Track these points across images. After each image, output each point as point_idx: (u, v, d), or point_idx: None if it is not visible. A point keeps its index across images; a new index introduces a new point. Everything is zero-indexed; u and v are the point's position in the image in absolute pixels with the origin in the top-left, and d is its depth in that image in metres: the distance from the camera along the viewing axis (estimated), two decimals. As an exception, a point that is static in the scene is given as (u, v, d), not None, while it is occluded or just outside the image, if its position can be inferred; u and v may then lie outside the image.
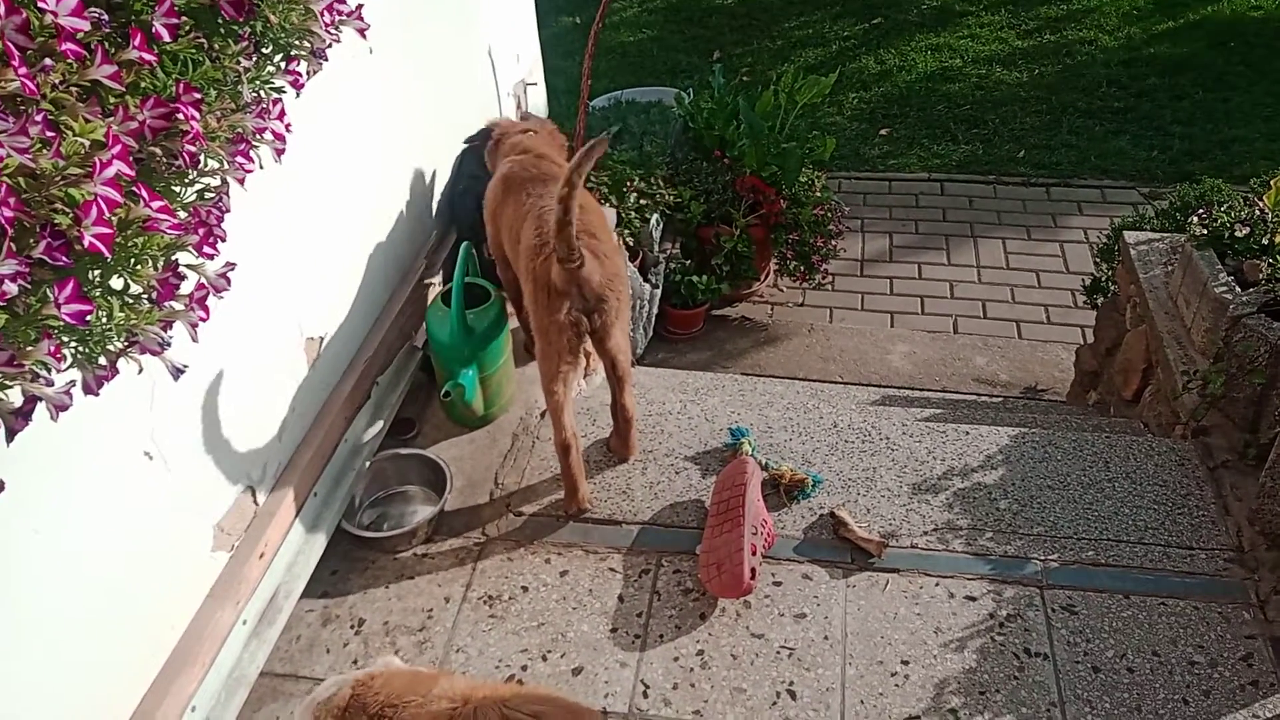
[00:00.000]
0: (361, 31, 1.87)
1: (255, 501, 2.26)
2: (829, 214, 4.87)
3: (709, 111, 4.96)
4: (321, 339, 2.56)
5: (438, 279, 3.20)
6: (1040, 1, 7.57)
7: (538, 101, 4.45)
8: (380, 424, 2.78)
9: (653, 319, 4.68)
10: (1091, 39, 7.06)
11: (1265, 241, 2.96)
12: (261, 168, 1.65)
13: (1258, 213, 3.02)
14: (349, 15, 1.82)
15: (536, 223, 2.55)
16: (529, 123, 3.15)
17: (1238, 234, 2.99)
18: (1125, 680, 2.18)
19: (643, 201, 4.55)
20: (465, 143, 3.37)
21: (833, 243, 4.90)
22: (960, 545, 2.47)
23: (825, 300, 5.15)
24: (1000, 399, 4.15)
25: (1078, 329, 4.77)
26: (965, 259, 5.36)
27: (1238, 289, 2.86)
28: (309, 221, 2.46)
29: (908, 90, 6.78)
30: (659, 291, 4.59)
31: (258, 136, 1.62)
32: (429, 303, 2.95)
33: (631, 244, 4.42)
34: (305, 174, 2.37)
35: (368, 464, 2.68)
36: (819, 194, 4.91)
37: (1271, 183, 3.07)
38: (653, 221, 4.53)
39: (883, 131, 6.45)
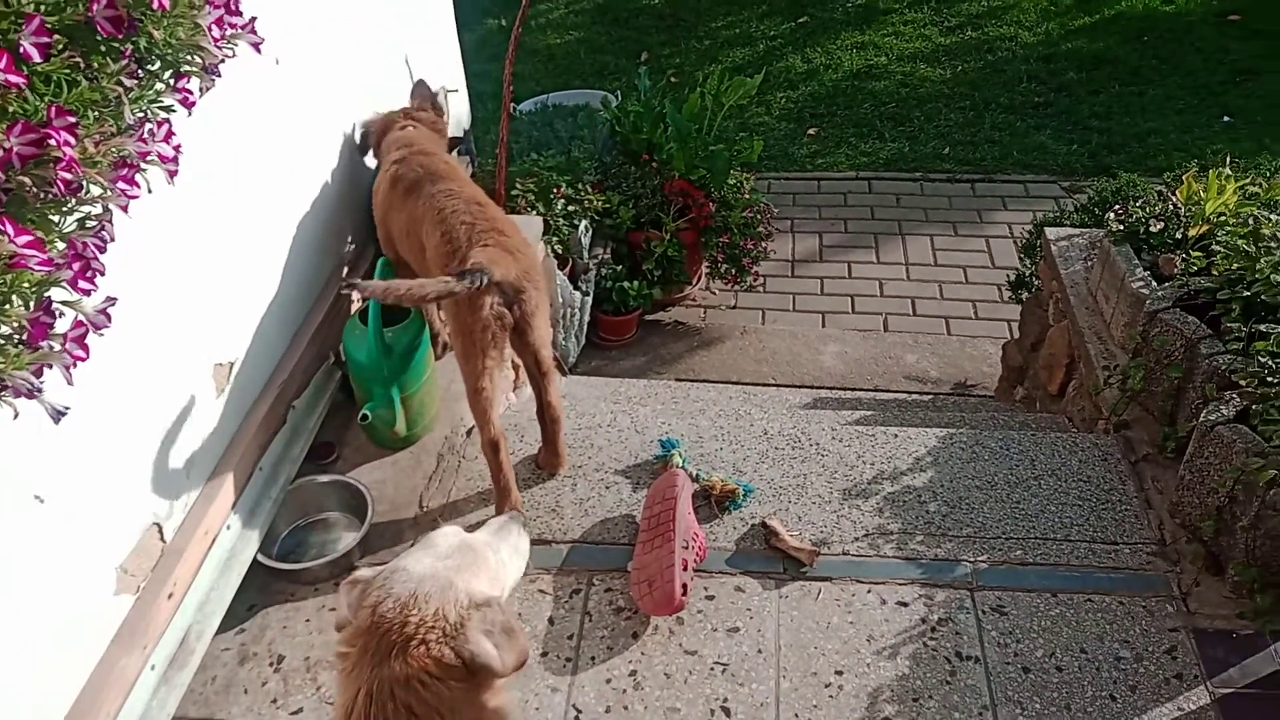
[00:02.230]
0: (256, 45, 1.78)
1: (162, 539, 2.15)
2: (758, 216, 4.87)
3: (635, 115, 4.92)
4: (231, 364, 2.46)
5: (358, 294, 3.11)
6: (961, -2, 7.69)
7: (460, 108, 4.36)
8: (298, 449, 2.69)
9: (584, 327, 4.63)
10: (1012, 35, 7.18)
11: (1179, 235, 3.02)
12: (150, 191, 1.56)
13: (1171, 208, 3.08)
14: (242, 29, 1.74)
15: (441, 227, 2.52)
16: (412, 110, 3.09)
17: (1153, 229, 3.04)
18: (1055, 679, 2.19)
19: (571, 208, 4.50)
20: (361, 126, 3.22)
21: (762, 244, 4.89)
22: (891, 550, 2.47)
23: (758, 302, 5.15)
24: (930, 396, 4.19)
25: (1004, 323, 4.84)
26: (894, 256, 5.40)
27: (1154, 283, 2.91)
28: (214, 243, 2.35)
29: (834, 89, 6.83)
30: (590, 299, 4.54)
31: (144, 160, 1.53)
32: (348, 320, 2.86)
33: (560, 251, 4.37)
34: (208, 193, 2.28)
35: (285, 492, 2.59)
36: (748, 196, 4.91)
37: (1184, 178, 3.13)
38: (581, 228, 4.48)
39: (810, 131, 6.49)
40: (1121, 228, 3.10)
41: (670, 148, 4.79)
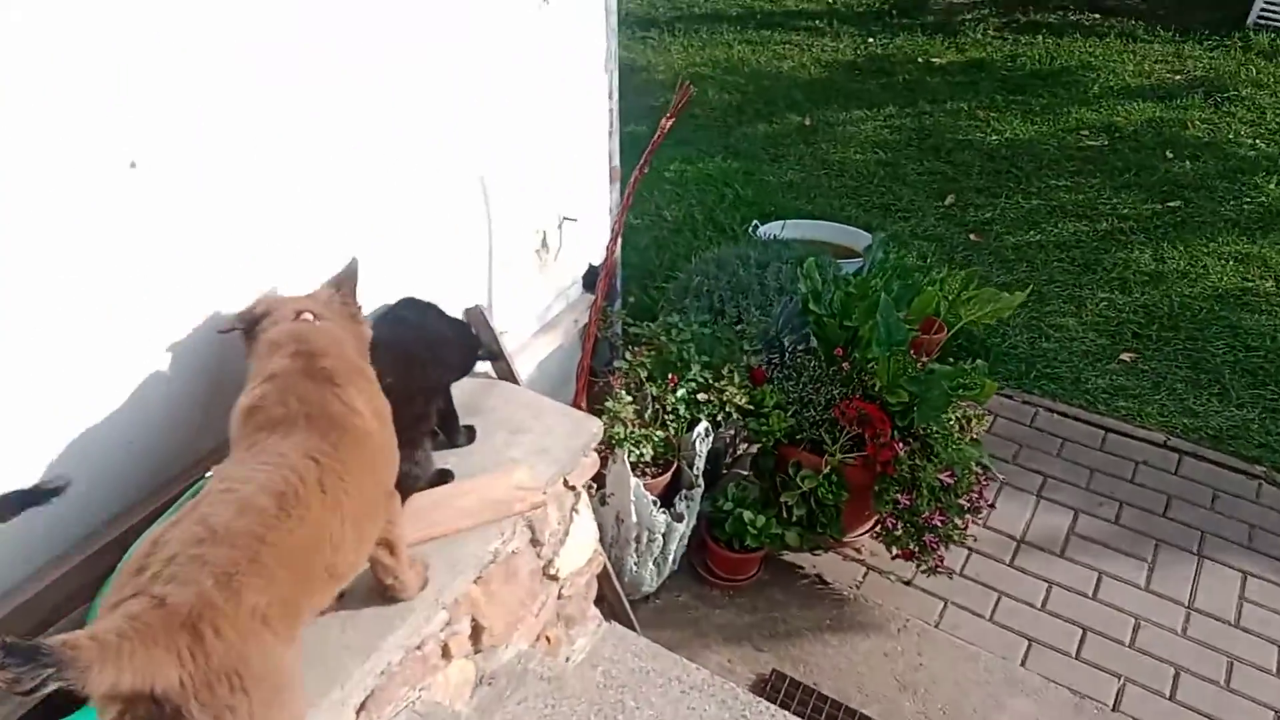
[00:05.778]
0: None
1: None
2: (967, 481, 3.38)
3: (843, 296, 3.64)
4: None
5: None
6: None
7: (585, 245, 3.36)
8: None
9: (677, 557, 3.43)
10: None
11: None
12: None
13: None
14: None
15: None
16: (315, 297, 2.00)
17: None
18: None
19: (702, 396, 3.34)
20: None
21: (962, 519, 3.40)
22: None
23: (943, 586, 3.63)
24: None
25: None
26: (1173, 588, 3.61)
27: None
28: None
29: (1181, 307, 5.01)
30: (682, 527, 3.33)
31: None
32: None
33: (652, 454, 3.22)
34: None
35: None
36: (965, 447, 3.43)
37: None
38: (701, 429, 3.29)
39: (1124, 356, 4.75)
40: None
41: (874, 354, 3.46)
